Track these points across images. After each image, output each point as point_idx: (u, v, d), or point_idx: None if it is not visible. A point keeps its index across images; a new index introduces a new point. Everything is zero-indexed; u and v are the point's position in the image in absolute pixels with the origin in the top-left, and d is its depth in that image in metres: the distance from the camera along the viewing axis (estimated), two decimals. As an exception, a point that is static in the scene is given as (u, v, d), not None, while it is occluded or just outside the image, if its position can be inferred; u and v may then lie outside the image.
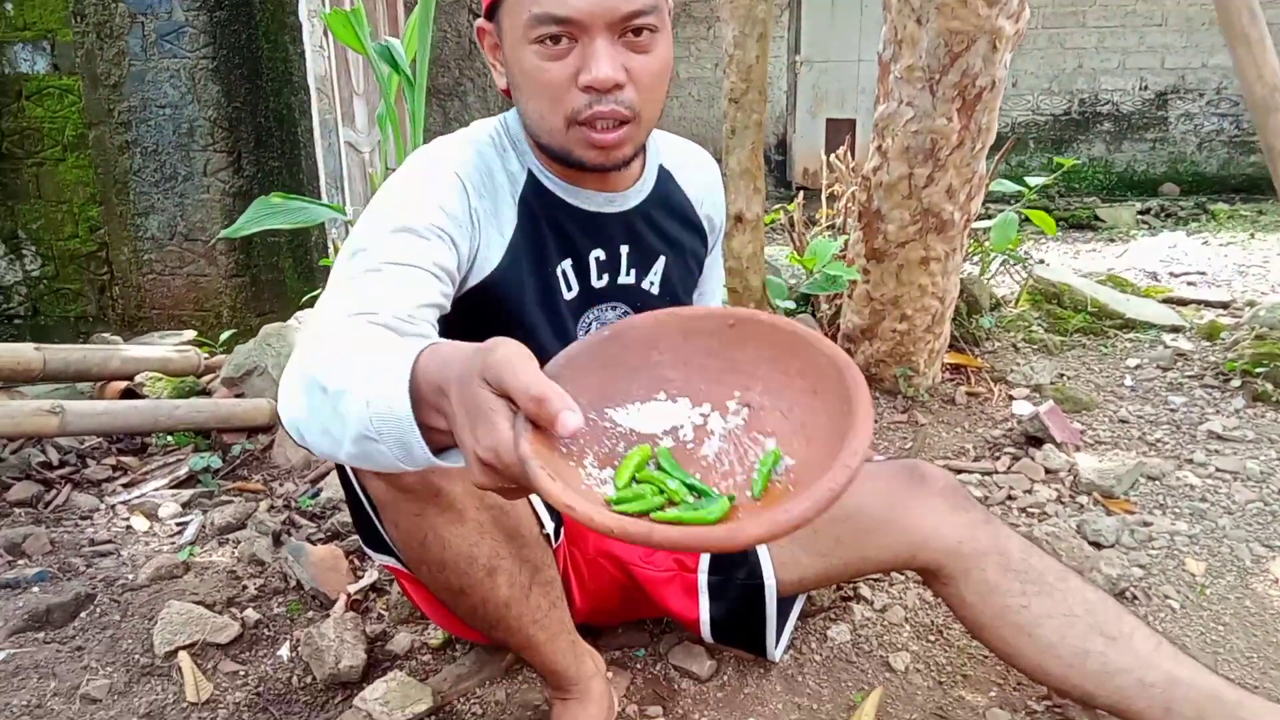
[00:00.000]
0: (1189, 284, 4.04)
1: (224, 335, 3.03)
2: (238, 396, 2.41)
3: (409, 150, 2.45)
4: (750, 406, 0.80)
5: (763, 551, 1.30)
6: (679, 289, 1.34)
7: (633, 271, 1.26)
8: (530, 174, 1.17)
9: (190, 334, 3.24)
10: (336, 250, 3.10)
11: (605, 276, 1.24)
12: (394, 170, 2.50)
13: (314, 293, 3.18)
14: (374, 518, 1.15)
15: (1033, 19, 5.88)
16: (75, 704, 1.36)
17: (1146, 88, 7.46)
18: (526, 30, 1.01)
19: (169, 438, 2.32)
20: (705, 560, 1.32)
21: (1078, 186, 7.33)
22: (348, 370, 0.79)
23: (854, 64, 7.83)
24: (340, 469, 1.18)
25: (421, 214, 1.04)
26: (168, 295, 4.35)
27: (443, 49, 5.64)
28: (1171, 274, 4.35)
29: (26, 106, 4.37)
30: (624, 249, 1.24)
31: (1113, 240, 5.76)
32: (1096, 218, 6.48)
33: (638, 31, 1.01)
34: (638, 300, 1.28)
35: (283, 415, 0.88)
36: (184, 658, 1.46)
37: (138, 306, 4.42)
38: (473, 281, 1.14)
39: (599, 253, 1.22)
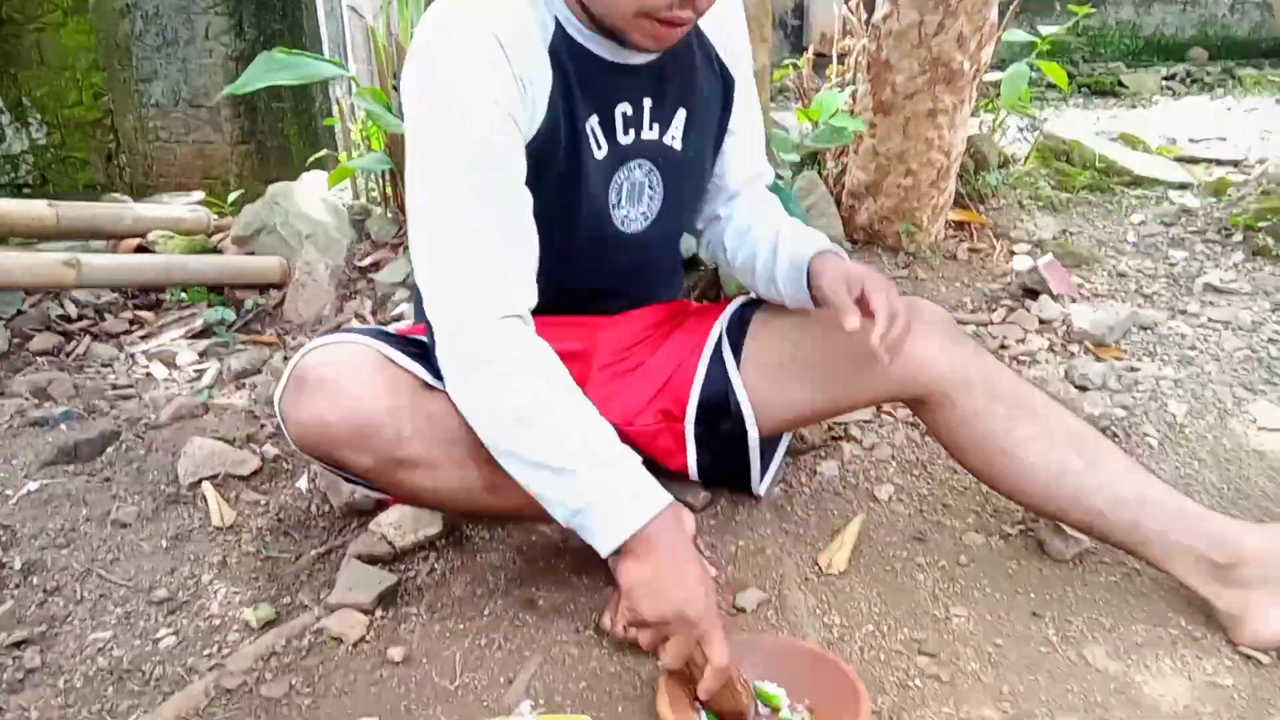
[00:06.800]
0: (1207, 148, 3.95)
1: (232, 196, 3.05)
2: (248, 254, 2.45)
3: (411, 12, 2.39)
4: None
5: (744, 401, 1.32)
6: (703, 145, 1.30)
7: (655, 126, 1.23)
8: (557, 21, 1.12)
9: (200, 195, 3.26)
10: (340, 112, 3.07)
11: (631, 132, 1.21)
12: (395, 32, 2.45)
13: (318, 155, 3.18)
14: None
15: None
16: (106, 528, 1.45)
17: (1181, -57, 7.14)
18: None
19: (182, 294, 2.37)
20: (692, 411, 1.35)
21: (1103, 51, 7.08)
22: (576, 460, 1.01)
23: (874, -80, 7.54)
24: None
25: (484, 126, 1.04)
26: (174, 163, 4.32)
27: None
28: (1191, 140, 4.26)
29: (25, -31, 4.27)
30: (647, 102, 1.20)
31: (1134, 106, 5.62)
32: (1120, 83, 6.29)
33: None
34: (662, 157, 1.25)
35: (478, 421, 1.08)
36: (208, 487, 1.55)
37: (145, 174, 4.40)
38: None
39: (625, 107, 1.19)
